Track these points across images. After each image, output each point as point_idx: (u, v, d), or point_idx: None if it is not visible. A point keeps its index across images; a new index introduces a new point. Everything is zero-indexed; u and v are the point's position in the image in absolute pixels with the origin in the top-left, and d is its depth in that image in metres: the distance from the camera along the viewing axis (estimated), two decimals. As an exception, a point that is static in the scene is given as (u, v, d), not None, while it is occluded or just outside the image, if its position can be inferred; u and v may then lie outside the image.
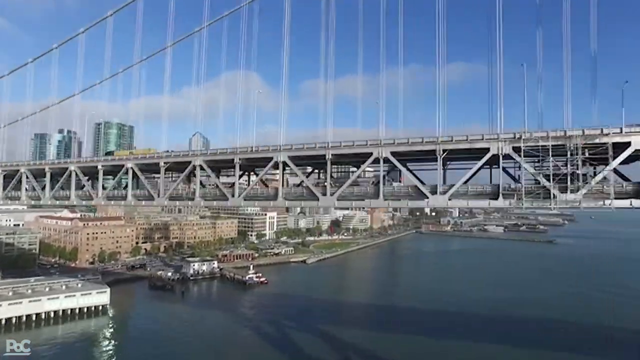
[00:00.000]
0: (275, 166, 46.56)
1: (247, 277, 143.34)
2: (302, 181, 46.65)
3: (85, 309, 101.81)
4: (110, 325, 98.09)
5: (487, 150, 38.16)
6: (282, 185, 47.09)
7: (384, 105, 43.16)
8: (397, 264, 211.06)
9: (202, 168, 49.89)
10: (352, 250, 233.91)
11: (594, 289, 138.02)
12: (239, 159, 48.34)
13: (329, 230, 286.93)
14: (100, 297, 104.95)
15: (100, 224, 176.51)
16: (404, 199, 42.94)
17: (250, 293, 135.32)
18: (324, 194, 44.86)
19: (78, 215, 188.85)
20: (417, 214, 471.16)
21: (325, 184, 45.16)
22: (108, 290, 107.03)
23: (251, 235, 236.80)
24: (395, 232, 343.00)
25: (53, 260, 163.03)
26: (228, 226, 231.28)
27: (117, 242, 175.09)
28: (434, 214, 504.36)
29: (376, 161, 42.32)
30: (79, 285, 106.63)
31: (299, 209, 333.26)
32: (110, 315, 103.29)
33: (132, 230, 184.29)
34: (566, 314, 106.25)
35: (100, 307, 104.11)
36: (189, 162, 50.51)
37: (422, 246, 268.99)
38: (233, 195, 48.55)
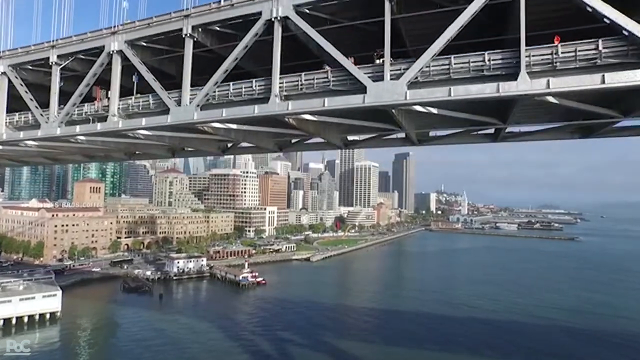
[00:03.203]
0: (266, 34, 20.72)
1: (240, 277, 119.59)
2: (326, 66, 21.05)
3: (27, 318, 78.03)
4: (57, 341, 74.31)
5: None
6: (279, 71, 21.35)
7: None
8: (411, 264, 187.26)
9: (126, 60, 25.19)
10: (359, 247, 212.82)
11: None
12: (192, 29, 23.47)
13: (334, 226, 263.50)
14: (48, 302, 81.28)
15: (73, 215, 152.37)
16: (576, 73, 16.73)
17: (245, 296, 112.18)
18: (377, 79, 18.97)
19: (49, 205, 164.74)
20: (423, 212, 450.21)
21: (382, 58, 19.10)
22: (59, 293, 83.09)
23: (249, 231, 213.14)
24: (403, 229, 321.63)
25: (15, 257, 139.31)
26: (223, 220, 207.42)
27: (93, 236, 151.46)
28: (439, 212, 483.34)
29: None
30: (21, 287, 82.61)
31: (300, 205, 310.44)
32: (60, 326, 79.46)
33: (111, 223, 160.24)
34: None
35: (48, 316, 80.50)
36: (102, 49, 25.89)
37: (434, 244, 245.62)
38: (180, 104, 23.68)
